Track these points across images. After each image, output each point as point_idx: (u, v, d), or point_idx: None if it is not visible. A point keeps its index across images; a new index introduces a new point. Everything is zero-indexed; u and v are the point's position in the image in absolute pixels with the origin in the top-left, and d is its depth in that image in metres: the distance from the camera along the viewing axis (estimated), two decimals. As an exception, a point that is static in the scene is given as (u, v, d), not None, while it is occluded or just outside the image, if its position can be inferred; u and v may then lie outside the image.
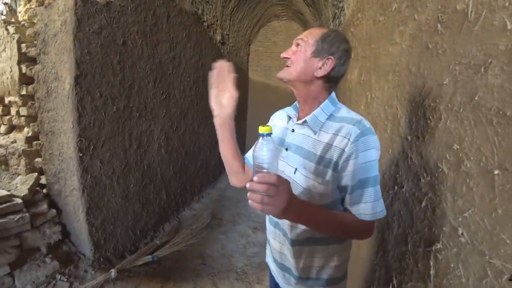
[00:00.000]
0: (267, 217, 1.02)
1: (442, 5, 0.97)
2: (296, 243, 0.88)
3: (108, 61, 2.07)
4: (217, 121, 0.89)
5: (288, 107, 1.00)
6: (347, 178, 0.78)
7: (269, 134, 0.65)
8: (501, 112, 0.68)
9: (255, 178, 0.62)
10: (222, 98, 0.87)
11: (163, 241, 2.75)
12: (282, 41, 7.22)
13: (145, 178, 2.71)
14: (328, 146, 0.79)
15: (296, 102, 0.94)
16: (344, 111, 0.85)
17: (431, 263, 0.91)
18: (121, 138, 2.30)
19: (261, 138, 0.66)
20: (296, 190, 0.83)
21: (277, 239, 0.95)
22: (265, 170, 0.64)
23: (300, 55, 0.83)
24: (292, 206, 0.65)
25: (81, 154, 1.92)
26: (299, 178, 0.84)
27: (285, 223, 0.90)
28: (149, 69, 2.61)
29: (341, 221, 0.79)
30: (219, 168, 5.04)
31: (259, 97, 7.45)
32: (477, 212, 0.73)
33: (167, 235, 2.90)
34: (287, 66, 0.86)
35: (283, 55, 0.87)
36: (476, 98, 0.78)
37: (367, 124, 0.79)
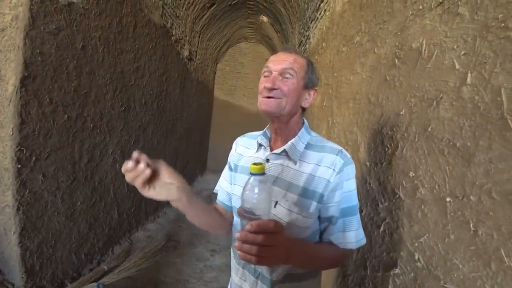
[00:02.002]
0: (233, 253, 0.92)
1: (400, 43, 1.06)
2: (276, 283, 0.81)
3: (63, 65, 1.91)
4: (180, 205, 0.68)
5: (253, 134, 0.95)
6: (333, 209, 0.76)
7: (262, 174, 0.58)
8: (451, 143, 0.74)
9: (248, 227, 0.54)
10: (161, 177, 0.64)
11: (112, 266, 2.49)
12: (249, 63, 7.40)
13: (95, 195, 2.47)
14: (311, 177, 0.76)
15: (265, 130, 0.89)
16: (320, 140, 0.84)
17: (390, 288, 0.93)
18: (71, 150, 2.09)
19: (252, 178, 0.58)
20: None
21: (248, 281, 0.85)
22: (254, 216, 0.56)
23: (294, 87, 0.77)
24: (288, 251, 0.60)
25: (19, 166, 1.69)
26: (281, 212, 0.78)
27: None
28: (109, 78, 2.46)
29: (324, 253, 0.77)
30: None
31: (223, 115, 7.47)
32: (432, 237, 0.77)
33: (116, 258, 2.64)
34: (271, 97, 0.76)
35: (270, 85, 0.75)
36: (429, 129, 0.84)
37: (347, 153, 0.80)
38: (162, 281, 2.50)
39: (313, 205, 0.75)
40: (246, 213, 0.57)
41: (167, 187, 0.65)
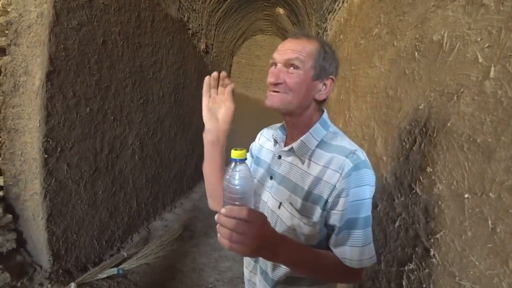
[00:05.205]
0: None
1: (420, 35, 1.02)
2: (278, 284, 0.77)
3: (85, 59, 1.98)
4: (207, 137, 0.74)
5: (276, 126, 0.89)
6: (335, 217, 0.67)
7: (243, 160, 0.56)
8: (471, 139, 0.72)
9: (223, 211, 0.54)
10: (218, 111, 0.74)
11: (131, 253, 2.60)
12: (265, 55, 7.35)
13: (115, 185, 2.57)
14: (318, 180, 0.69)
15: (283, 123, 0.83)
16: (337, 138, 0.74)
17: (404, 283, 0.93)
18: (93, 141, 2.18)
19: (233, 164, 0.56)
20: (280, 228, 0.74)
21: (257, 275, 0.85)
22: (237, 203, 0.55)
23: (301, 80, 0.69)
24: (267, 244, 0.57)
25: (46, 156, 1.78)
26: (284, 214, 0.73)
27: (265, 260, 0.78)
28: (128, 71, 2.52)
29: (324, 263, 0.68)
30: (194, 178, 4.91)
31: (239, 109, 7.42)
32: (448, 234, 0.76)
33: (135, 246, 2.75)
34: (276, 91, 0.71)
35: (273, 80, 0.70)
36: (448, 124, 0.82)
37: (362, 155, 0.68)
38: (178, 268, 2.59)
39: (317, 211, 0.68)
40: (227, 199, 0.56)
41: (222, 121, 0.75)
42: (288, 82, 0.69)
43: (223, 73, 0.76)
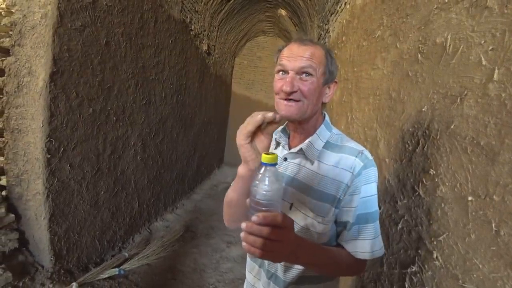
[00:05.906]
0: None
1: (423, 37, 1.02)
2: (290, 285, 0.78)
3: (88, 60, 1.99)
4: (245, 168, 0.65)
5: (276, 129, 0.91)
6: (348, 214, 0.71)
7: (274, 165, 0.55)
8: (475, 142, 0.72)
9: (254, 218, 0.51)
10: (258, 145, 0.65)
11: (132, 253, 2.60)
12: (267, 57, 7.36)
13: (117, 185, 2.58)
14: (329, 179, 0.72)
15: (284, 126, 0.84)
16: (341, 139, 0.78)
17: (406, 286, 0.92)
18: (95, 142, 2.19)
19: (263, 168, 0.55)
20: (294, 228, 0.74)
21: (261, 280, 0.84)
22: (264, 208, 0.53)
23: (314, 87, 0.71)
24: (294, 248, 0.57)
25: (49, 156, 1.79)
26: (296, 215, 0.74)
27: (273, 264, 0.80)
28: (131, 72, 2.54)
29: (338, 260, 0.71)
30: (196, 179, 4.92)
31: (240, 109, 7.49)
32: (451, 236, 0.76)
33: (136, 246, 2.75)
34: (292, 99, 0.70)
35: (289, 89, 0.68)
36: (452, 127, 0.82)
37: (369, 155, 0.74)
38: (179, 269, 2.59)
39: (330, 210, 0.71)
40: (255, 205, 0.54)
41: (257, 148, 0.64)
42: (303, 90, 0.70)
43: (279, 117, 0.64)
